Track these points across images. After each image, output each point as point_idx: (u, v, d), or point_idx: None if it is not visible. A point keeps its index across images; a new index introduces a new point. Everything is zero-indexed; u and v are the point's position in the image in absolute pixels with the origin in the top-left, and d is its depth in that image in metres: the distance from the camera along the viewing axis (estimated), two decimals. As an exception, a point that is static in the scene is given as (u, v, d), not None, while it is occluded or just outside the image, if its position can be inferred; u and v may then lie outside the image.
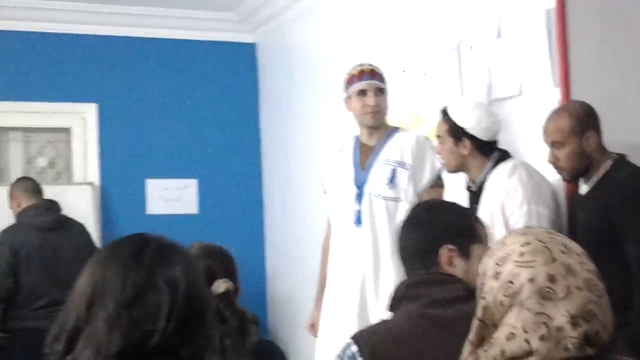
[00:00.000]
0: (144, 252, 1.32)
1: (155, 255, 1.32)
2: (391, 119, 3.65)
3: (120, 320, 1.25)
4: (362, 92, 3.40)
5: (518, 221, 2.82)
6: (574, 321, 1.25)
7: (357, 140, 3.54)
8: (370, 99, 3.38)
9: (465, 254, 1.87)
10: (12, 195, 4.59)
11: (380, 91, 3.41)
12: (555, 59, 3.12)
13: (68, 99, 5.71)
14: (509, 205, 2.86)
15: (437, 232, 1.88)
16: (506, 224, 2.84)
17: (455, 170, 3.14)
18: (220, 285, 2.09)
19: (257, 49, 6.14)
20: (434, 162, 3.36)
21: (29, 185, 4.65)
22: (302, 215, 5.37)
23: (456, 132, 3.05)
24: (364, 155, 3.47)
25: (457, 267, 1.85)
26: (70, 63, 5.70)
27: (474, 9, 3.60)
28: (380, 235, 3.33)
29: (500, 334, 1.30)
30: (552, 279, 1.28)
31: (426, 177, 3.36)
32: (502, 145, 3.14)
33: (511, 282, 1.31)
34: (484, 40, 3.52)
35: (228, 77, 6.07)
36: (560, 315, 1.25)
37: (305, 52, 5.32)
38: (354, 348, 1.73)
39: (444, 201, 2.82)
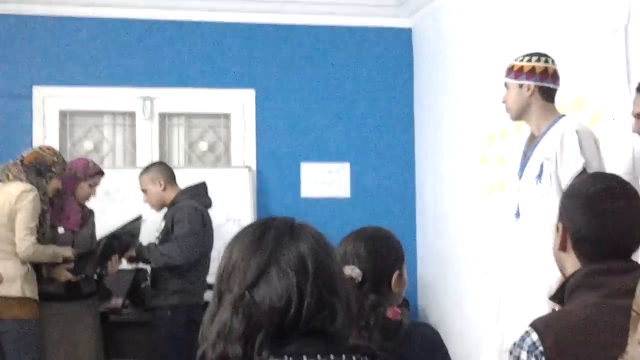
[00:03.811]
0: (266, 234, 1.32)
1: (277, 236, 1.31)
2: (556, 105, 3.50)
3: (242, 301, 1.26)
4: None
5: None
6: None
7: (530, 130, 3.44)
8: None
9: None
10: (153, 179, 4.63)
11: (505, 86, 3.39)
12: None
13: (228, 85, 5.89)
14: None
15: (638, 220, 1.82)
16: None
17: None
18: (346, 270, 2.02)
19: (413, 34, 6.09)
20: (576, 157, 3.10)
21: (170, 170, 4.74)
22: (453, 201, 5.29)
23: None
24: (529, 146, 3.36)
25: None
26: (230, 50, 5.89)
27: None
28: (534, 230, 3.19)
29: None
30: None
31: (568, 174, 3.10)
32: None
33: None
34: (654, 19, 3.32)
35: (383, 62, 6.06)
36: None
37: (462, 37, 5.22)
38: (535, 336, 1.66)
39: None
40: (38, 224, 4.16)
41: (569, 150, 3.13)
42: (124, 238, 4.59)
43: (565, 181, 3.10)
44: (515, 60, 3.36)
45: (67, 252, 4.31)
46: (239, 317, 1.24)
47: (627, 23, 3.49)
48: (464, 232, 5.06)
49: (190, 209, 4.51)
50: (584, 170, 3.09)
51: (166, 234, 4.50)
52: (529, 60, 3.32)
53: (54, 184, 4.30)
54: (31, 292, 4.13)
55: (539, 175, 3.20)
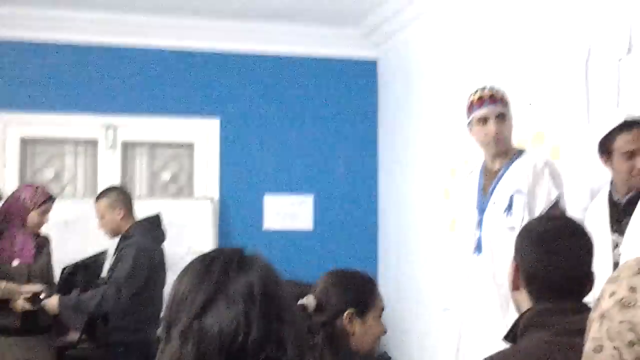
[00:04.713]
0: (214, 263, 1.33)
1: (225, 265, 1.32)
2: (515, 140, 3.50)
3: (191, 329, 1.26)
4: (483, 120, 3.26)
5: None
6: None
7: (484, 163, 3.41)
8: (491, 127, 3.24)
9: None
10: (112, 205, 4.39)
11: (502, 117, 3.26)
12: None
13: (192, 114, 5.85)
14: None
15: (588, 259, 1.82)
16: None
17: None
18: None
19: (378, 66, 6.10)
20: (550, 190, 3.16)
21: (129, 197, 4.52)
22: (416, 235, 5.27)
23: None
24: (488, 180, 3.34)
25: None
26: (196, 79, 5.85)
27: (603, 22, 3.42)
28: (499, 265, 3.18)
29: (587, 349, 1.29)
30: (633, 289, 1.26)
31: (540, 206, 3.14)
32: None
33: (599, 299, 1.31)
34: (614, 55, 3.33)
35: (348, 93, 6.06)
36: None
37: (427, 70, 5.23)
38: None
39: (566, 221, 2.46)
40: None
41: (542, 182, 3.15)
42: (87, 271, 4.46)
43: (538, 213, 3.11)
44: (495, 90, 3.31)
45: (32, 288, 4.15)
46: (188, 346, 1.24)
47: (588, 59, 3.51)
48: (427, 266, 5.04)
49: (137, 249, 4.29)
50: (556, 202, 3.12)
51: (113, 269, 4.32)
52: (500, 91, 3.31)
53: None
54: None
55: (509, 208, 3.18)
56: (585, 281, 1.80)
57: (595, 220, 2.98)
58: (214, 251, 1.38)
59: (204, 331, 1.25)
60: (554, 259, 1.80)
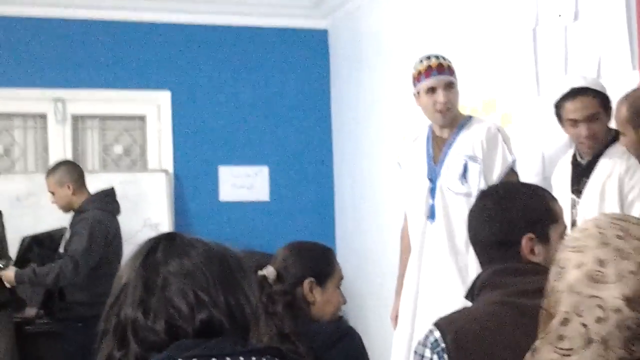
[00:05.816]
0: (156, 250, 1.35)
1: (166, 252, 1.34)
2: (463, 105, 3.56)
3: (109, 321, 1.32)
4: (431, 90, 3.25)
5: (637, 198, 2.78)
6: (630, 304, 1.19)
7: (431, 131, 3.41)
8: (439, 96, 3.24)
9: (544, 239, 1.80)
10: (60, 182, 4.36)
11: (450, 85, 3.26)
12: (634, 41, 3.00)
13: (143, 87, 5.79)
14: (629, 182, 2.80)
15: (514, 222, 1.80)
16: (622, 200, 2.78)
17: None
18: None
19: (329, 35, 6.11)
20: (505, 155, 3.22)
21: (79, 171, 4.48)
22: (372, 204, 5.33)
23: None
24: (437, 148, 3.36)
25: (538, 255, 1.79)
26: (146, 51, 5.78)
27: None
28: (455, 230, 3.23)
29: (555, 321, 1.27)
30: (602, 263, 1.24)
31: (497, 171, 3.21)
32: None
33: (562, 268, 1.29)
34: (561, 22, 3.41)
35: (300, 63, 6.05)
36: (613, 297, 1.20)
37: (378, 38, 5.26)
38: (437, 334, 1.70)
39: (511, 185, 2.54)
40: None
41: (496, 147, 3.21)
42: (45, 245, 4.43)
43: (493, 179, 3.18)
44: (442, 58, 3.31)
45: None
46: (108, 337, 1.32)
47: (536, 26, 3.58)
48: (383, 235, 5.10)
49: (93, 222, 4.27)
50: (511, 167, 3.21)
51: (69, 244, 4.30)
52: (446, 60, 3.31)
53: None
54: None
55: (463, 175, 3.23)
56: (514, 245, 1.80)
57: (558, 179, 3.06)
58: (147, 241, 1.39)
59: (120, 323, 1.31)
60: (477, 225, 1.85)
